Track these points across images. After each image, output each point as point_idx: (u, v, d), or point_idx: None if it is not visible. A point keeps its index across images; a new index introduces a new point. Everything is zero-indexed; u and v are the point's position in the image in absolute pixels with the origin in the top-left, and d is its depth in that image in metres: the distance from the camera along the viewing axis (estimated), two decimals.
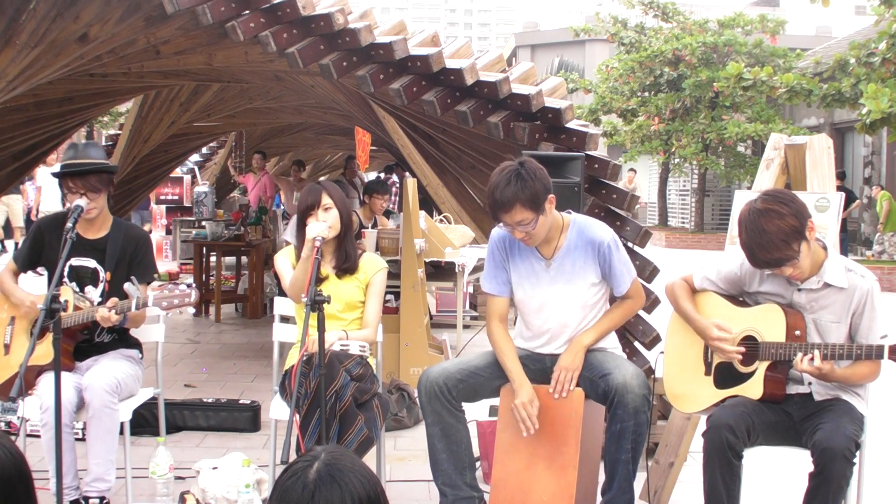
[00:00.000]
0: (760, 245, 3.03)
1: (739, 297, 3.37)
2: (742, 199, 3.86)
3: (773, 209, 3.02)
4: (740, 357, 3.23)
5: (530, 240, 3.35)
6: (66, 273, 3.69)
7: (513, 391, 3.44)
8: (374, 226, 7.48)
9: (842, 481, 2.93)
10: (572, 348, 3.42)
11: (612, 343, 3.61)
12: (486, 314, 3.66)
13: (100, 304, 3.62)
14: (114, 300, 3.52)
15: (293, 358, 3.70)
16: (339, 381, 3.37)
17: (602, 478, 3.49)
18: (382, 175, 13.97)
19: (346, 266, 3.74)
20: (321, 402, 3.21)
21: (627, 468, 3.33)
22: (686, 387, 3.41)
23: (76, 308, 3.58)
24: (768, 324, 3.19)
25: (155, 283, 3.67)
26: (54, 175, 3.74)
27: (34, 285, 3.95)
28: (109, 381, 3.54)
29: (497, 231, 3.53)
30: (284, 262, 3.81)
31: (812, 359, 3.03)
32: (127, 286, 3.43)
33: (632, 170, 20.44)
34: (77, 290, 3.71)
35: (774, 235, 2.99)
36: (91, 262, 3.74)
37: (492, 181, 3.26)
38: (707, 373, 3.33)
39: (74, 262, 3.72)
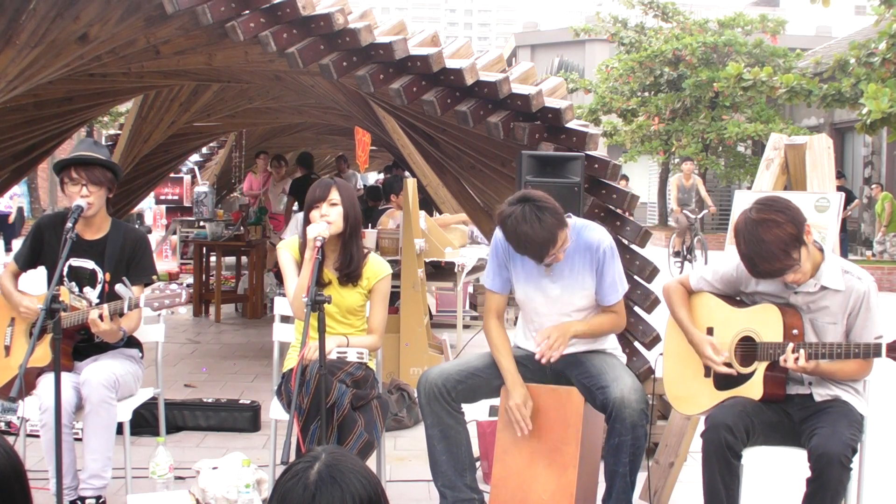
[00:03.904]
0: (760, 256, 3.00)
1: (736, 296, 3.37)
2: (742, 199, 3.86)
3: (769, 218, 2.99)
4: (734, 373, 3.23)
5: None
6: (65, 273, 3.68)
7: (507, 391, 3.45)
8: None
9: (838, 487, 2.93)
10: (560, 328, 3.40)
11: (611, 343, 3.61)
12: (483, 309, 3.65)
13: (98, 304, 3.62)
14: (104, 306, 3.50)
15: (291, 361, 3.68)
16: (333, 394, 3.32)
17: (603, 478, 3.50)
18: (381, 175, 13.94)
19: (350, 271, 3.62)
20: (319, 410, 3.20)
21: (625, 480, 3.34)
22: (686, 389, 3.41)
23: (72, 308, 3.56)
24: (766, 324, 3.19)
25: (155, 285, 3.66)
26: (56, 166, 3.71)
27: (29, 285, 3.94)
28: (107, 377, 3.53)
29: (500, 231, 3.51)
30: (286, 255, 3.68)
31: (797, 358, 3.04)
32: (118, 287, 3.40)
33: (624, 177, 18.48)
34: (76, 290, 3.70)
35: (774, 245, 2.97)
36: (89, 263, 3.73)
37: (521, 231, 3.19)
38: (707, 374, 3.33)
39: (73, 262, 3.70)
